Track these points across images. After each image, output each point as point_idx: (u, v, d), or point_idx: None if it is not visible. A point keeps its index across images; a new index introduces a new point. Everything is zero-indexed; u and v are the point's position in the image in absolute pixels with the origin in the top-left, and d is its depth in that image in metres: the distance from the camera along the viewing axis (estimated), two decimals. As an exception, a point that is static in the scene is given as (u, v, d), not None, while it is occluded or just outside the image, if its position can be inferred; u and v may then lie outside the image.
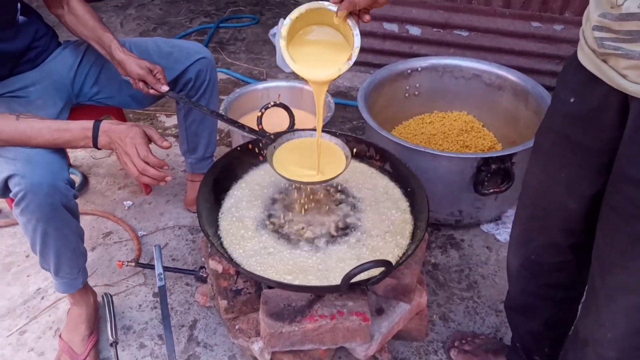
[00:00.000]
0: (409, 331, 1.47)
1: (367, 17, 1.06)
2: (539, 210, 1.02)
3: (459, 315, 1.60)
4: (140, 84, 1.43)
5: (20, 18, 1.40)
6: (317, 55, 1.17)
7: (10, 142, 1.22)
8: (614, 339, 0.89)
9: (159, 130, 2.44)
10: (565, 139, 0.90)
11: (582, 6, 2.28)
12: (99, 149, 1.28)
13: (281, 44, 1.12)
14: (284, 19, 1.15)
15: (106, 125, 1.26)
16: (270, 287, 1.31)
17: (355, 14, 1.07)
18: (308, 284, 1.20)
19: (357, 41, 1.10)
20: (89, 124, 1.25)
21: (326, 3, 1.09)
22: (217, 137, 2.29)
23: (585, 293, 0.97)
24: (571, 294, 1.14)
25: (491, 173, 1.66)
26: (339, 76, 1.15)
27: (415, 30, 2.52)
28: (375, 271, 1.13)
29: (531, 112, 1.95)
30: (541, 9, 2.38)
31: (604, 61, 0.78)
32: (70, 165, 2.17)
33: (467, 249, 1.83)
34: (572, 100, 0.86)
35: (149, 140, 1.29)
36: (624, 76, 0.74)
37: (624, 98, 0.76)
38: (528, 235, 1.08)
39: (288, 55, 1.13)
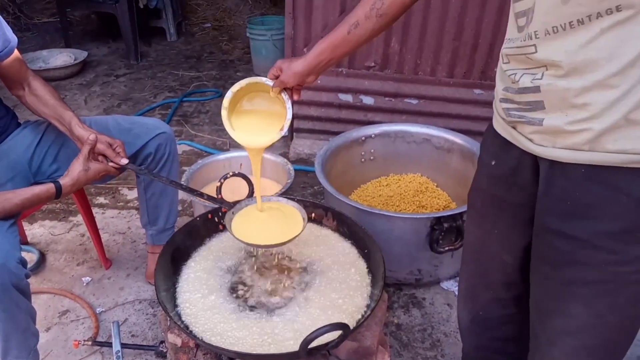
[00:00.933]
0: (374, 396, 1.45)
1: (296, 96, 1.21)
2: (480, 265, 1.09)
3: (424, 376, 1.60)
4: (100, 158, 1.46)
5: (-21, 101, 1.45)
6: (255, 124, 1.30)
7: None
8: (559, 385, 0.92)
9: (120, 204, 2.44)
10: (492, 197, 0.98)
11: (517, 74, 2.51)
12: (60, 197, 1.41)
13: (223, 113, 1.25)
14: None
15: (67, 180, 1.38)
16: (230, 359, 1.29)
17: (288, 89, 1.21)
18: (267, 352, 1.19)
19: (289, 113, 1.24)
20: (49, 185, 1.38)
21: (264, 79, 1.24)
22: (180, 208, 2.32)
23: (529, 342, 1.01)
24: (522, 347, 1.17)
25: (444, 231, 1.73)
26: (272, 144, 1.28)
27: (368, 100, 2.69)
28: (334, 335, 1.14)
29: (479, 171, 2.08)
30: (481, 78, 2.60)
31: (514, 127, 0.88)
32: (26, 243, 2.13)
33: (428, 307, 1.86)
34: (493, 163, 0.96)
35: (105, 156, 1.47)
36: (530, 140, 0.84)
37: (534, 158, 0.86)
38: (473, 291, 1.14)
39: (229, 124, 1.26)
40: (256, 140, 1.28)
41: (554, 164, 0.82)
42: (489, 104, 2.70)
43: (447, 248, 1.77)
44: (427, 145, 2.26)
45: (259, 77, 1.24)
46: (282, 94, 1.22)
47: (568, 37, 0.72)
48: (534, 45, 0.77)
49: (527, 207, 0.91)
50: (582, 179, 0.79)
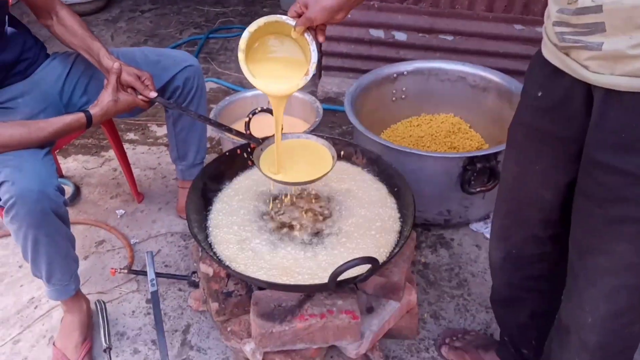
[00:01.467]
0: (400, 329, 1.49)
1: (321, 38, 1.09)
2: (516, 203, 1.05)
3: (450, 313, 1.61)
4: (129, 91, 1.45)
5: (9, 29, 1.43)
6: (276, 69, 1.18)
7: (11, 142, 1.27)
8: (594, 323, 0.91)
9: (150, 140, 2.46)
10: (536, 131, 0.93)
11: (563, 8, 2.33)
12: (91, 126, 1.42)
13: (240, 57, 1.13)
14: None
15: (96, 110, 1.38)
16: (260, 288, 1.33)
17: (312, 29, 1.10)
18: (297, 283, 1.21)
19: (314, 56, 1.12)
20: (79, 114, 1.37)
21: (284, 17, 1.11)
22: (208, 145, 2.32)
23: (566, 280, 0.99)
24: (554, 285, 1.16)
25: (477, 172, 1.68)
26: (296, 90, 1.18)
27: (401, 36, 2.56)
28: (363, 269, 1.15)
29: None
30: (523, 12, 2.43)
31: (566, 54, 0.81)
32: (62, 176, 2.19)
33: (456, 247, 1.85)
34: (539, 94, 0.90)
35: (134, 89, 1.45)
36: (585, 67, 0.78)
37: (588, 88, 0.80)
38: (508, 229, 1.11)
39: (247, 69, 1.14)
40: (280, 88, 1.16)
41: (610, 92, 0.76)
42: (530, 41, 2.55)
43: (478, 189, 1.72)
44: (462, 84, 2.16)
45: (278, 16, 1.11)
46: (306, 35, 1.10)
47: None
48: None
49: (574, 142, 0.86)
50: None
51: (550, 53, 0.86)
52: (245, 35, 1.11)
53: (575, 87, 0.82)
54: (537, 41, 2.65)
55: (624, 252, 0.82)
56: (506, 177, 1.08)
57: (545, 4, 2.59)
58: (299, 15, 1.07)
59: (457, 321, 1.59)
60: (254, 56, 1.16)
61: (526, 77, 0.97)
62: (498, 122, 2.11)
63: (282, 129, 1.30)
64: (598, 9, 0.71)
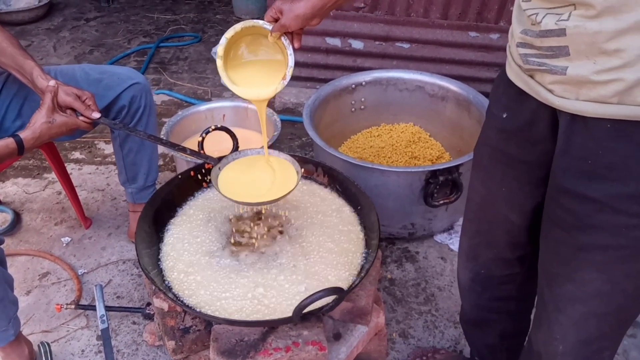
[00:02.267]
0: (368, 353, 1.44)
1: (297, 44, 1.09)
2: (484, 224, 1.03)
3: (419, 331, 1.58)
4: (69, 112, 1.33)
5: None
6: (254, 74, 1.19)
7: None
8: (565, 351, 0.89)
9: (98, 159, 2.31)
10: (501, 153, 0.91)
11: (515, 15, 2.36)
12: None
13: (218, 63, 1.14)
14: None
15: (27, 133, 1.23)
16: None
17: (289, 34, 1.09)
18: (259, 319, 1.14)
19: (290, 60, 1.13)
20: (8, 139, 1.22)
21: (261, 22, 1.12)
22: (161, 162, 2.21)
23: (535, 305, 0.97)
24: (523, 305, 1.15)
25: (440, 185, 1.66)
26: (276, 94, 1.18)
27: (357, 44, 2.53)
28: (329, 299, 1.09)
29: (474, 120, 1.99)
30: (477, 19, 2.45)
31: (531, 76, 0.78)
32: (-1, 203, 2.02)
33: (422, 261, 1.83)
34: (504, 115, 0.87)
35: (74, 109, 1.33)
36: (550, 91, 0.75)
37: (553, 111, 0.77)
38: (476, 250, 1.08)
39: (225, 75, 1.16)
40: (257, 93, 1.18)
41: (575, 118, 0.73)
42: (484, 47, 2.58)
43: (442, 201, 1.71)
44: (420, 93, 2.15)
45: (255, 20, 1.11)
46: (282, 39, 1.10)
47: None
48: None
49: (540, 166, 0.83)
50: (607, 136, 0.71)
51: (514, 74, 0.83)
52: (223, 41, 1.12)
53: (540, 110, 0.79)
54: (491, 48, 2.68)
55: (592, 280, 0.80)
56: (473, 197, 1.05)
57: (499, 12, 2.60)
58: (275, 20, 1.06)
59: (426, 339, 1.56)
60: (232, 61, 1.18)
61: (491, 96, 0.94)
62: (457, 130, 2.11)
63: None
64: (561, 32, 0.68)
